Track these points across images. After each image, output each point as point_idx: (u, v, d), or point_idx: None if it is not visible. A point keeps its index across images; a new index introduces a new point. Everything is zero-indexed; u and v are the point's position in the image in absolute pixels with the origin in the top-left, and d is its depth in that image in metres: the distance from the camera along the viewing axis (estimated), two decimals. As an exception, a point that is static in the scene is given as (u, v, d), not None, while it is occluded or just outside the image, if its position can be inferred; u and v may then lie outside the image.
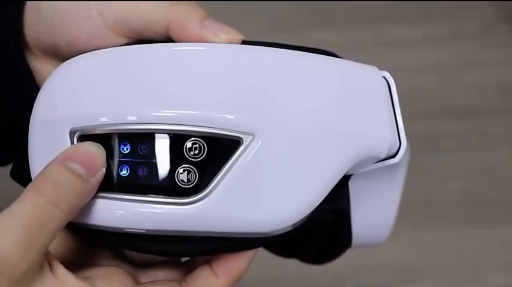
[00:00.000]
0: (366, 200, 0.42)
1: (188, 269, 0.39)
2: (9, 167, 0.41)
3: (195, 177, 0.34)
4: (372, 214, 0.42)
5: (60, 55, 0.38)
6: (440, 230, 0.83)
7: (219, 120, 0.34)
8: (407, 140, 0.41)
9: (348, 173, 0.39)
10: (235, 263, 0.37)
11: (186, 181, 0.34)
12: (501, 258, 0.81)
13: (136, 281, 0.37)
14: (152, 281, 0.37)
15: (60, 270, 0.34)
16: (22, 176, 0.38)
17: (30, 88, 0.38)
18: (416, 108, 0.92)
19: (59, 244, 0.37)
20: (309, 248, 0.45)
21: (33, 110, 0.37)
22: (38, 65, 0.39)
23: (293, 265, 0.77)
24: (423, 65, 0.98)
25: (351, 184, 0.41)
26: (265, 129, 0.34)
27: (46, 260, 0.33)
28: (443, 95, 0.96)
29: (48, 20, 0.38)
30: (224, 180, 0.34)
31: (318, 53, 0.38)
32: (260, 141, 0.34)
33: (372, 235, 0.43)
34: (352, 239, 0.43)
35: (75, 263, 0.36)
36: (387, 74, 0.38)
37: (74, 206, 0.33)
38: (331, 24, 1.01)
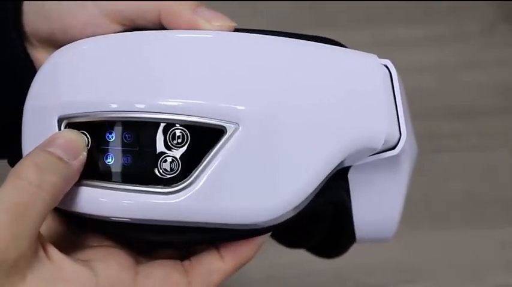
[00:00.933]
0: (367, 193, 0.40)
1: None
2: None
3: (178, 166, 0.34)
4: (375, 208, 0.41)
5: (57, 44, 0.38)
6: (440, 230, 0.83)
7: (201, 108, 0.33)
8: (413, 133, 0.40)
9: (346, 165, 0.38)
10: (243, 249, 0.37)
11: (169, 170, 0.34)
12: (501, 258, 0.81)
13: (137, 260, 0.37)
14: (153, 261, 0.37)
15: (56, 254, 0.33)
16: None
17: (30, 77, 0.38)
18: (416, 108, 0.92)
19: (51, 228, 0.37)
20: (310, 239, 0.45)
21: (27, 96, 0.37)
22: (36, 54, 0.39)
23: (293, 265, 0.77)
24: (424, 65, 0.98)
25: (351, 176, 0.40)
26: (249, 118, 0.33)
27: (40, 245, 0.33)
28: (443, 95, 0.96)
29: (44, 9, 0.38)
30: (207, 170, 0.33)
31: (319, 40, 0.37)
32: (244, 131, 0.33)
33: (377, 230, 0.42)
34: (356, 234, 0.42)
35: (71, 246, 0.36)
36: (389, 62, 0.37)
37: (57, 187, 0.33)
38: (331, 24, 1.01)
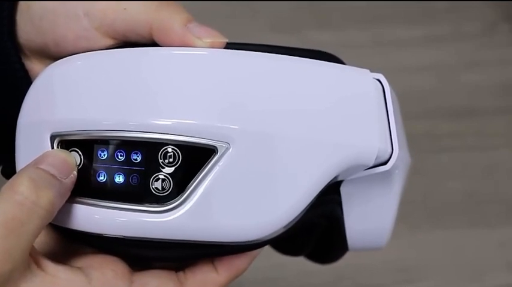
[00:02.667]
0: (360, 206, 0.41)
1: None
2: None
3: (169, 185, 0.34)
4: (368, 220, 0.41)
5: (50, 55, 0.38)
6: (440, 230, 0.83)
7: (193, 128, 0.33)
8: (406, 146, 0.40)
9: (338, 179, 0.38)
10: (237, 261, 0.37)
11: (160, 189, 0.34)
12: (501, 258, 0.81)
13: (132, 269, 0.37)
14: (147, 270, 0.37)
15: (49, 265, 0.34)
16: (13, 174, 0.38)
17: (25, 87, 0.38)
18: (416, 109, 0.92)
19: (45, 238, 0.37)
20: (303, 248, 0.45)
21: (20, 111, 0.37)
22: (30, 65, 0.39)
23: (292, 265, 0.77)
24: (423, 65, 0.98)
25: (344, 189, 0.40)
26: (240, 137, 0.33)
27: (31, 258, 0.33)
28: (443, 95, 0.96)
29: (37, 20, 0.38)
30: (198, 189, 0.34)
31: (314, 55, 0.37)
32: (235, 150, 0.33)
33: (369, 240, 0.43)
34: (349, 243, 0.43)
35: (65, 253, 0.36)
36: (381, 77, 0.37)
37: (53, 203, 0.33)
38: (331, 24, 1.01)
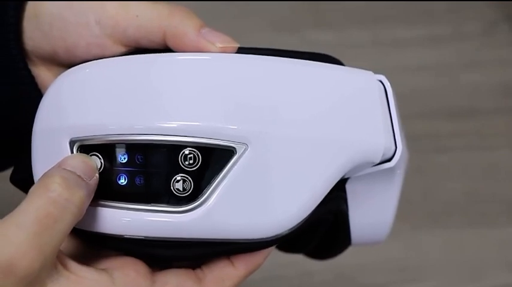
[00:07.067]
0: (363, 202, 0.42)
1: None
2: (9, 170, 0.41)
3: (190, 186, 0.35)
4: (370, 215, 0.43)
5: (59, 62, 0.38)
6: (440, 229, 0.83)
7: (212, 130, 0.34)
8: (405, 143, 0.41)
9: (345, 177, 0.39)
10: (254, 256, 0.38)
11: (181, 189, 0.35)
12: (501, 258, 0.82)
13: (152, 269, 0.37)
14: (167, 270, 0.38)
15: (74, 265, 0.34)
16: (22, 181, 0.38)
17: (32, 93, 0.39)
18: (416, 109, 0.92)
19: (66, 243, 0.37)
20: (308, 245, 0.46)
21: (35, 118, 0.37)
22: (37, 71, 0.39)
23: (293, 264, 0.77)
24: (423, 65, 0.98)
25: (349, 186, 0.41)
26: (258, 138, 0.35)
27: (57, 259, 0.33)
28: (443, 95, 0.96)
29: (46, 27, 0.38)
30: (218, 189, 0.35)
31: (316, 57, 0.38)
32: (253, 151, 0.35)
33: (371, 235, 0.44)
34: (352, 239, 0.44)
35: (89, 257, 0.37)
36: (383, 78, 0.39)
37: (84, 201, 0.34)
38: (331, 24, 1.01)
